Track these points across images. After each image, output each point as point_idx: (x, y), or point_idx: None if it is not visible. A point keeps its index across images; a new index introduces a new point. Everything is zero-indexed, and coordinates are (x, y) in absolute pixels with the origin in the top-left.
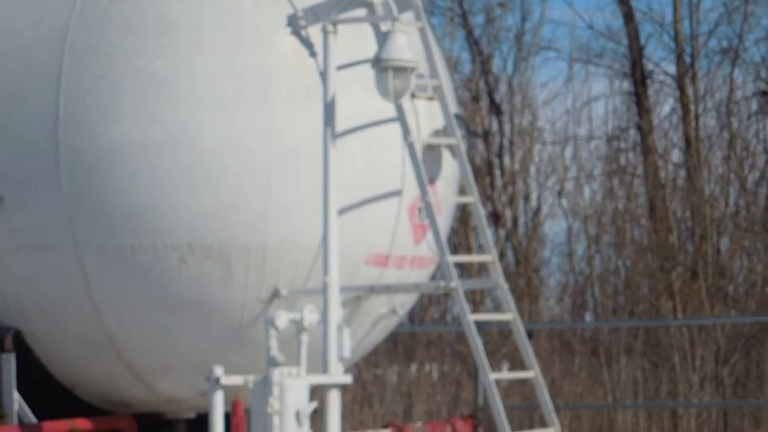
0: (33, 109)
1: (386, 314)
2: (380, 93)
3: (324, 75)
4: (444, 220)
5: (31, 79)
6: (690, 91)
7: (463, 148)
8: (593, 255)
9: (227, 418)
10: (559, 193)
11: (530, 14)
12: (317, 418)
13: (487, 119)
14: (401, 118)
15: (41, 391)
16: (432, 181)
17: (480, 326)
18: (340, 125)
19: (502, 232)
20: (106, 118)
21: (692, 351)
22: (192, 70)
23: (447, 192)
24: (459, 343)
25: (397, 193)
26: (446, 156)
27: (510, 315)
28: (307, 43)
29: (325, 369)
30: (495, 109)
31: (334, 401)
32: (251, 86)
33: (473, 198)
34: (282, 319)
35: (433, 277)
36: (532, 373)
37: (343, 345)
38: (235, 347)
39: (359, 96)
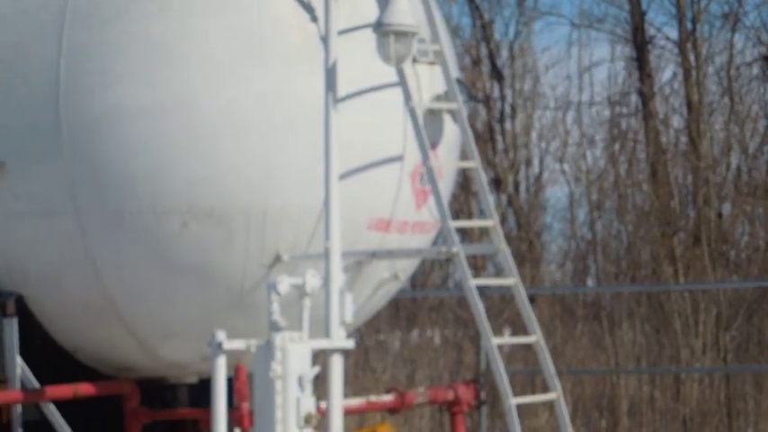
0: (34, 74)
1: (388, 279)
2: (382, 57)
3: (325, 39)
4: (446, 186)
5: (32, 44)
6: (691, 56)
7: (464, 113)
8: (595, 220)
9: (230, 382)
10: (561, 159)
11: None
12: (320, 383)
13: (489, 84)
14: (402, 83)
15: (44, 356)
16: (433, 146)
17: (482, 291)
18: (341, 90)
19: (503, 197)
20: (105, 83)
21: (694, 316)
22: (191, 34)
23: (448, 157)
24: (460, 308)
25: (399, 158)
26: (447, 121)
27: (512, 280)
28: (308, 8)
29: (327, 334)
30: (497, 74)
31: (337, 366)
32: (250, 50)
33: (474, 163)
34: (284, 283)
35: (435, 242)
36: (534, 338)
37: (345, 310)
38: (236, 312)
39: (360, 61)
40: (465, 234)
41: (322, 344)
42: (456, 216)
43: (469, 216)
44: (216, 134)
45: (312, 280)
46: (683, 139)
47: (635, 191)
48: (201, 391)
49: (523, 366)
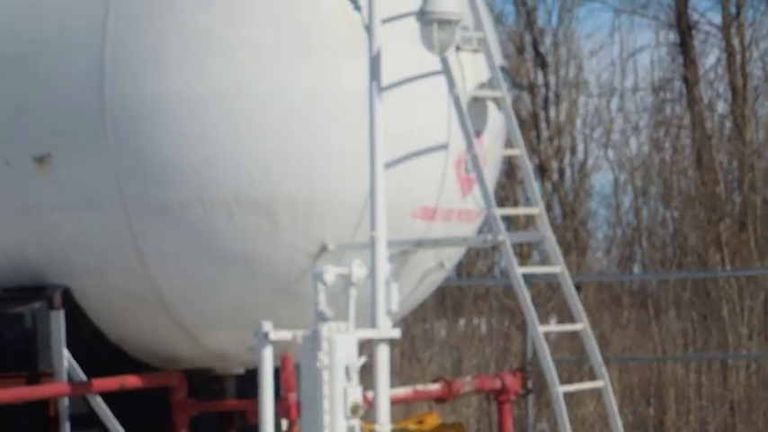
0: (79, 64)
1: (433, 268)
2: (425, 46)
3: (369, 28)
4: (491, 173)
5: (77, 34)
6: (735, 41)
7: (509, 100)
8: (641, 207)
9: (277, 373)
10: (605, 145)
11: None
12: (366, 372)
13: (533, 71)
14: (446, 71)
15: (90, 348)
16: (478, 134)
17: (528, 279)
18: (385, 79)
19: (548, 185)
20: (151, 73)
21: (740, 303)
22: (236, 24)
23: (493, 145)
24: (507, 296)
25: (444, 146)
26: (492, 108)
27: (558, 268)
28: None
29: (373, 324)
30: (540, 61)
31: (383, 356)
32: (295, 39)
33: (519, 150)
34: (330, 273)
35: (481, 231)
36: (581, 325)
37: (392, 299)
38: (283, 302)
39: (404, 50)
40: (510, 222)
41: (368, 334)
42: (501, 204)
43: (515, 204)
44: (262, 125)
45: (358, 269)
46: (728, 124)
47: (680, 177)
48: (248, 382)
49: (570, 354)
